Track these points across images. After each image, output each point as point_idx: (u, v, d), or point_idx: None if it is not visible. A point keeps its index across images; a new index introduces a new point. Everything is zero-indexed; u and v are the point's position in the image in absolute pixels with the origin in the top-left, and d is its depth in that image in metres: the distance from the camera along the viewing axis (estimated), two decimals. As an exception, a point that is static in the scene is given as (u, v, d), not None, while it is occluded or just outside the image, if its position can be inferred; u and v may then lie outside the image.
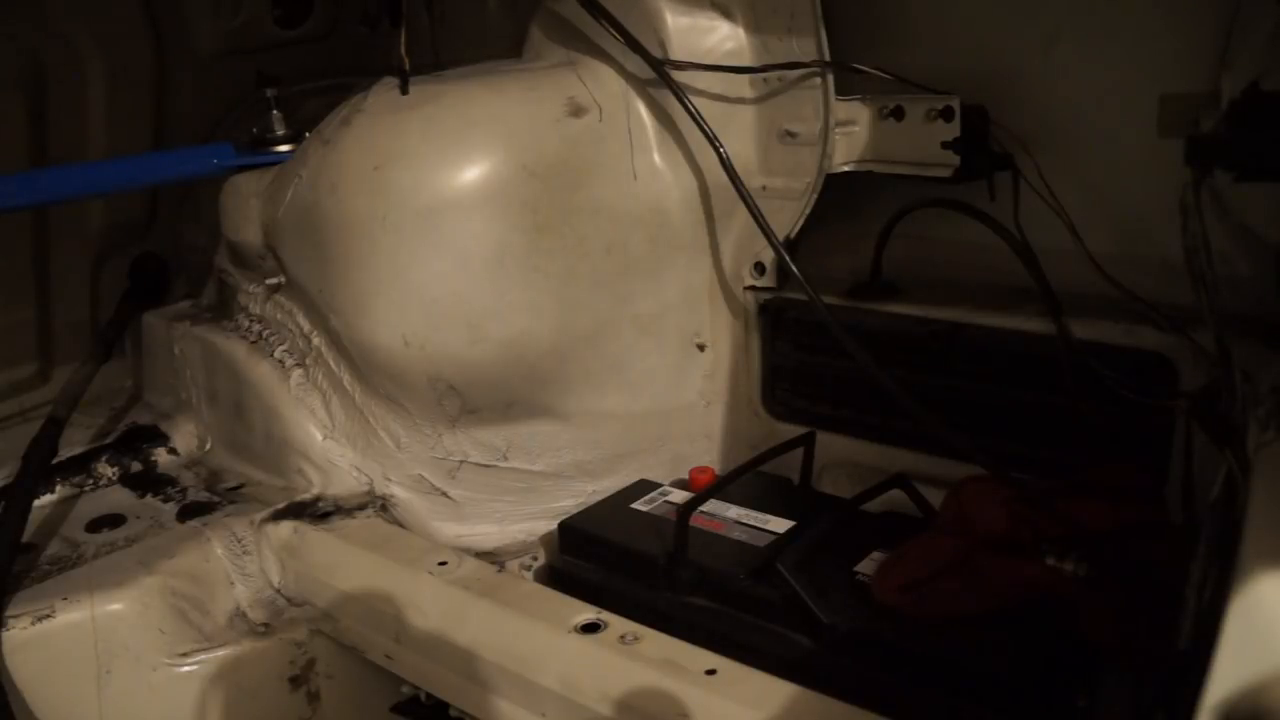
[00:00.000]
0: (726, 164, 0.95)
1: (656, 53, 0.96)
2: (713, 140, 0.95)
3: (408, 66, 0.96)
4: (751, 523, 0.88)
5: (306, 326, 1.04)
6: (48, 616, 0.86)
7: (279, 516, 0.98)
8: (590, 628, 0.79)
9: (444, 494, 1.00)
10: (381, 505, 1.01)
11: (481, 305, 0.92)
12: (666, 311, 1.02)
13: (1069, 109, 0.91)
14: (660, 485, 0.98)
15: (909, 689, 0.71)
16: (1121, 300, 0.87)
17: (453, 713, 0.88)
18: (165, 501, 1.06)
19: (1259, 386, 0.66)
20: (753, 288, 1.04)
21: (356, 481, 1.01)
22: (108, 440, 1.16)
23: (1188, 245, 0.68)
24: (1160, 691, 0.61)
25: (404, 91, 0.95)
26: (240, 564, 0.96)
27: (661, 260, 1.00)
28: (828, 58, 0.94)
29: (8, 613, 0.85)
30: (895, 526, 0.85)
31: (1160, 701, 0.60)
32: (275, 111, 1.10)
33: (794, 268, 0.92)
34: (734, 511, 0.90)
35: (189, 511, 1.02)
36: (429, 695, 0.89)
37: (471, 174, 0.91)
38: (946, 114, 0.90)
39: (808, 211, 0.98)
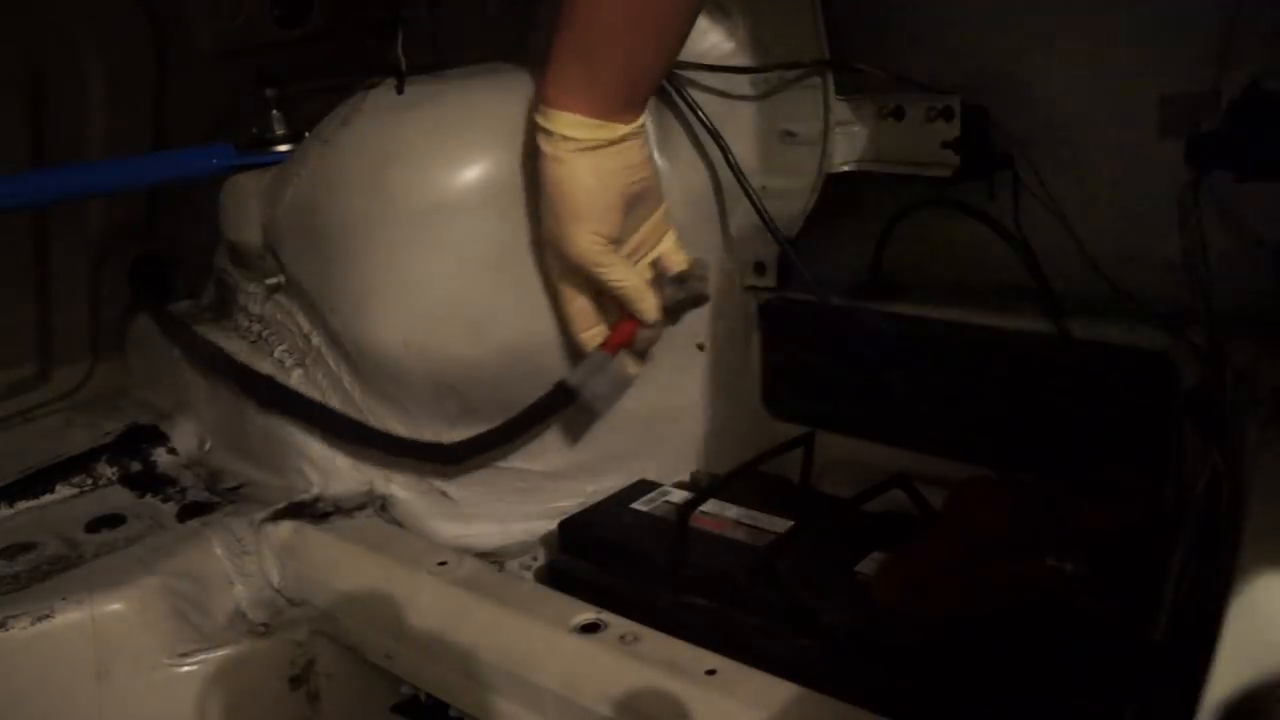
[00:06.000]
0: (732, 163, 0.95)
1: (656, 52, 0.96)
2: (718, 139, 0.96)
3: (405, 66, 0.96)
4: (751, 523, 0.88)
5: (306, 326, 1.04)
6: (47, 617, 0.86)
7: (279, 516, 0.98)
8: (590, 628, 0.79)
9: (444, 494, 1.00)
10: (381, 505, 1.01)
11: (481, 305, 0.92)
12: (667, 311, 1.01)
13: (1069, 109, 0.91)
14: (660, 485, 0.98)
15: (909, 689, 0.71)
16: (1122, 300, 0.87)
17: (453, 713, 0.88)
18: (165, 501, 1.05)
19: (1259, 386, 0.66)
20: (753, 287, 1.04)
21: (356, 481, 1.01)
22: (108, 440, 1.16)
23: (1185, 245, 0.68)
24: (1132, 683, 0.61)
25: (399, 91, 0.95)
26: (240, 564, 0.96)
27: (661, 260, 1.00)
28: (828, 57, 0.94)
29: (8, 612, 0.85)
30: (895, 526, 0.85)
31: (1131, 693, 0.60)
32: (275, 111, 1.09)
33: (802, 268, 0.92)
34: (734, 511, 0.90)
35: (189, 511, 1.02)
36: (429, 695, 0.89)
37: (471, 174, 0.90)
38: (946, 114, 0.90)
39: (808, 211, 0.98)
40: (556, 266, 0.88)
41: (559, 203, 0.83)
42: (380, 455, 1.01)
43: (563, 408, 0.94)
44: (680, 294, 0.91)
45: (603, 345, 0.91)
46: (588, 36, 0.78)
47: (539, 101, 0.82)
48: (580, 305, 0.90)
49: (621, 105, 0.82)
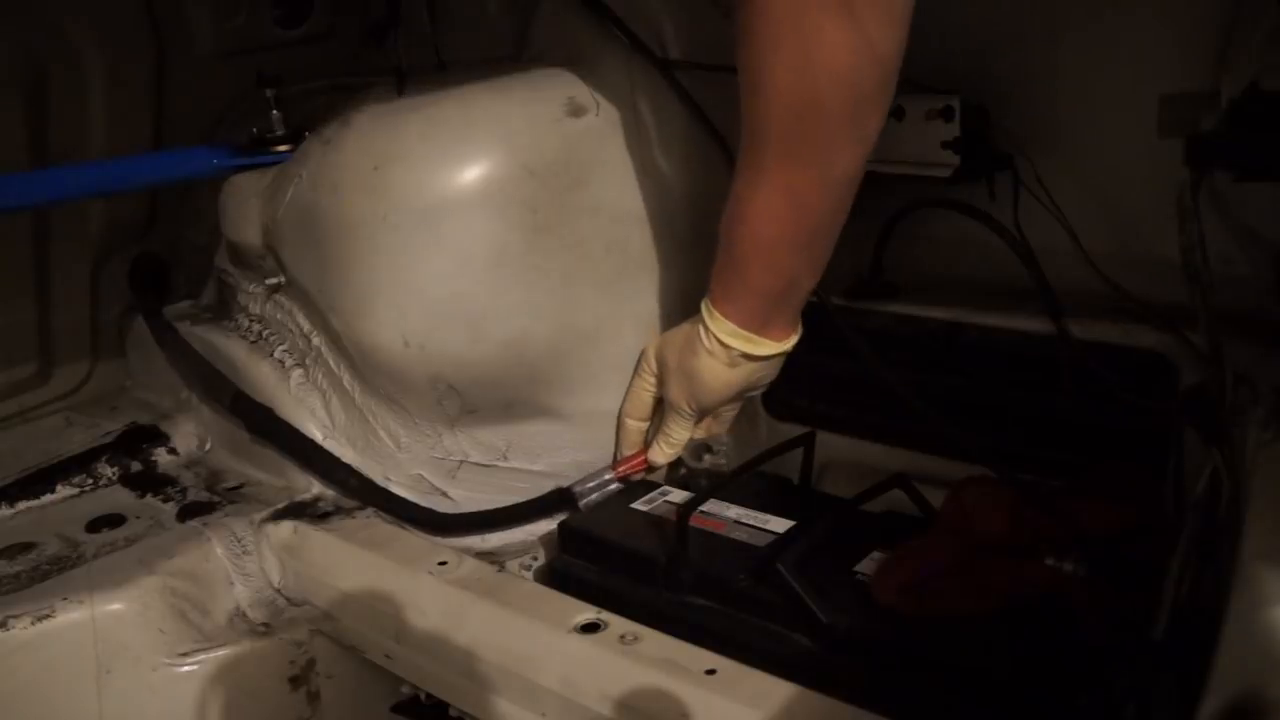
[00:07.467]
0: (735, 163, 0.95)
1: (656, 52, 0.96)
2: (719, 139, 0.95)
3: (405, 67, 0.96)
4: (751, 523, 0.88)
5: (306, 326, 1.04)
6: (48, 616, 0.86)
7: (279, 516, 0.99)
8: (590, 628, 0.79)
9: (444, 494, 1.00)
10: (381, 505, 1.01)
11: (481, 305, 0.92)
12: (667, 311, 1.02)
13: (1069, 109, 0.91)
14: (660, 485, 0.98)
15: (909, 689, 0.71)
16: (1122, 300, 0.87)
17: (453, 713, 0.88)
18: (165, 501, 1.06)
19: (1259, 386, 0.66)
20: (753, 288, 1.04)
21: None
22: (108, 440, 1.16)
23: (1184, 245, 0.68)
24: (1133, 682, 0.61)
25: (400, 92, 0.95)
26: (240, 564, 0.96)
27: (662, 260, 1.00)
28: (828, 57, 0.93)
29: (8, 612, 0.85)
30: (895, 526, 0.85)
31: (1133, 692, 0.60)
32: (275, 111, 1.09)
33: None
34: (734, 511, 0.90)
35: (189, 511, 1.02)
36: (429, 695, 0.89)
37: (471, 174, 0.91)
38: (946, 114, 0.90)
39: (808, 211, 0.97)
40: (655, 367, 0.95)
41: (690, 376, 0.90)
42: (380, 454, 1.01)
43: (559, 511, 0.98)
44: (703, 465, 0.97)
45: (614, 466, 0.98)
46: (742, 252, 0.81)
47: (709, 292, 0.86)
48: (645, 398, 0.97)
49: (774, 320, 0.85)
